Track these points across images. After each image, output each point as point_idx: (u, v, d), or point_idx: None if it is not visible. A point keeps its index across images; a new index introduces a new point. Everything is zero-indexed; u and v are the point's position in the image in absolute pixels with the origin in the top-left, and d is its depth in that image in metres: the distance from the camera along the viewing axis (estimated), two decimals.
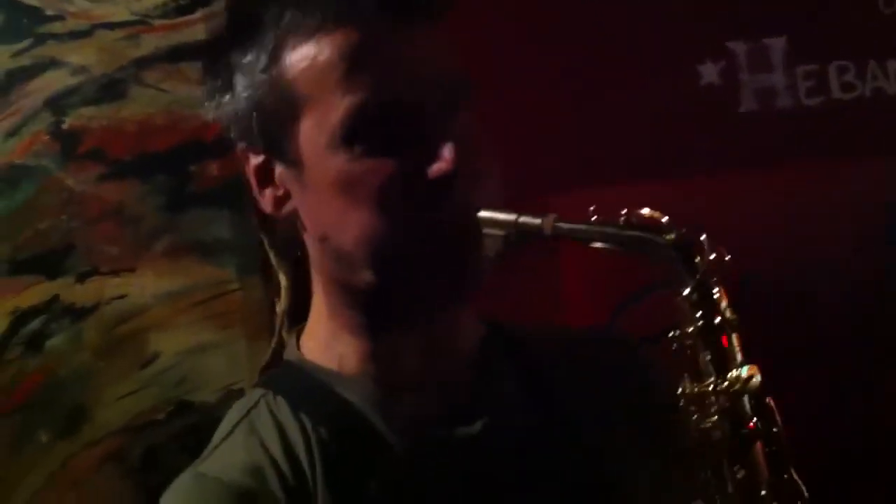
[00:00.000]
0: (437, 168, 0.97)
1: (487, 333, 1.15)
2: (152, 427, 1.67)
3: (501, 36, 1.91)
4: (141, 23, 1.65)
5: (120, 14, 1.65)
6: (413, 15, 1.00)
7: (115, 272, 1.66)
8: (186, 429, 1.67)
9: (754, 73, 2.03)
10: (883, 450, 2.11)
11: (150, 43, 1.64)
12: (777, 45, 2.05)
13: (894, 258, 2.09)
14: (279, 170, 1.04)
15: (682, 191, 2.00)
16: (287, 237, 1.10)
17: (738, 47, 2.02)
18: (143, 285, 1.65)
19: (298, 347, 1.10)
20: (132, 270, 1.65)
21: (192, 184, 1.66)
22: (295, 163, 1.02)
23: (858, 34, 2.08)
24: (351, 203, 1.00)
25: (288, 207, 1.06)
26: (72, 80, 1.70)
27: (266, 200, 1.07)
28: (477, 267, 1.00)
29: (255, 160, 1.05)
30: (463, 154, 0.98)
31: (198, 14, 1.64)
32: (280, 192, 1.05)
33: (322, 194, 1.01)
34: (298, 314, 1.13)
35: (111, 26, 1.65)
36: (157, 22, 1.65)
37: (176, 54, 1.67)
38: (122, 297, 1.66)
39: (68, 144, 1.71)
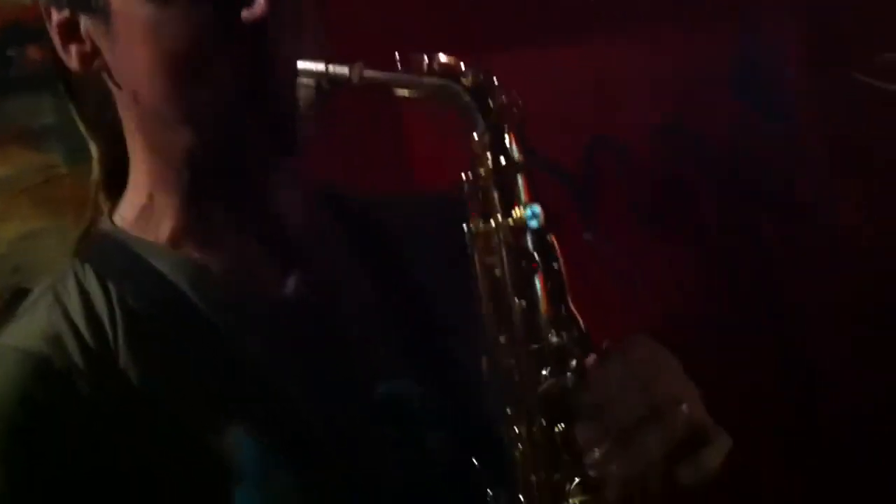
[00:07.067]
0: (248, 12, 0.97)
1: (319, 200, 1.16)
2: None
3: None
4: None
5: None
6: None
7: None
8: None
9: None
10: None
11: None
12: None
13: (744, 115, 2.15)
14: (85, 23, 1.03)
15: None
16: (98, 101, 1.09)
17: None
18: None
19: (112, 218, 1.11)
20: None
21: (12, 69, 1.63)
22: (103, 13, 1.01)
23: None
24: (161, 52, 0.99)
25: (96, 63, 1.05)
26: None
27: (72, 57, 1.06)
28: (294, 118, 1.01)
29: (59, 15, 1.05)
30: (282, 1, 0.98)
31: None
32: (87, 48, 1.05)
33: (132, 45, 1.01)
34: (117, 187, 1.14)
35: None
36: None
37: None
38: None
39: None
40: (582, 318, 0.99)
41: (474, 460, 1.04)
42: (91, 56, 1.05)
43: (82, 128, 1.13)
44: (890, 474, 2.23)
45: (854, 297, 2.28)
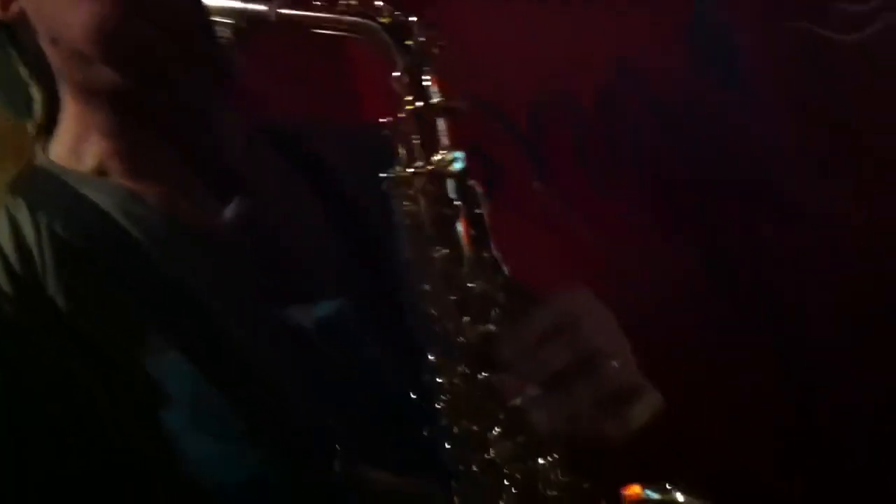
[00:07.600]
0: None
1: (258, 132, 1.18)
2: None
3: None
4: None
5: None
6: None
7: None
8: None
9: None
10: None
11: None
12: None
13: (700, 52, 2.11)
14: None
15: None
16: (33, 48, 1.11)
17: None
18: None
19: (45, 153, 1.12)
20: None
21: None
22: None
23: None
24: None
25: (14, 8, 1.07)
26: None
27: None
28: (213, 50, 1.03)
29: None
30: None
31: None
32: None
33: None
34: (53, 125, 1.17)
35: None
36: None
37: None
38: None
39: None
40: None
41: (412, 395, 1.03)
42: (10, 1, 1.06)
43: (24, 73, 1.14)
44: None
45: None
